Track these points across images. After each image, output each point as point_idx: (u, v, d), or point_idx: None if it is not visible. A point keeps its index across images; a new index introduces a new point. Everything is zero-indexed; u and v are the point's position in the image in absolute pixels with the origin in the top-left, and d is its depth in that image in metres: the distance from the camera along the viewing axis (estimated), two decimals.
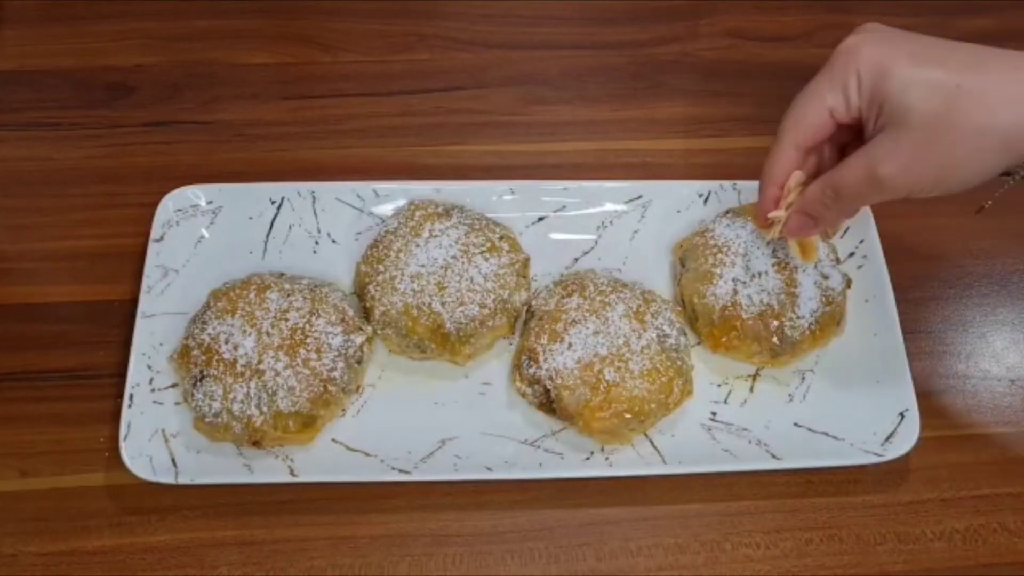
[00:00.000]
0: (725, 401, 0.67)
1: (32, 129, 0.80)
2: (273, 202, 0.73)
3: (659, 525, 0.64)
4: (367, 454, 0.64)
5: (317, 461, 0.63)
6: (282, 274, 0.68)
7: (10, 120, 0.81)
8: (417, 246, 0.67)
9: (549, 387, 0.63)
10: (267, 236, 0.72)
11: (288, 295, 0.65)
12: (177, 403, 0.65)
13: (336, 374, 0.63)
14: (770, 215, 0.58)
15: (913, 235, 0.77)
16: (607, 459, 0.64)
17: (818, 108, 0.52)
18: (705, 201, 0.74)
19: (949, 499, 0.65)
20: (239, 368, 0.62)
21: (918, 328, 0.72)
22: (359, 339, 0.65)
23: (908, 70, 0.48)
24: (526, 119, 0.83)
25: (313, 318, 0.64)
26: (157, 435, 0.63)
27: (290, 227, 0.73)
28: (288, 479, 0.62)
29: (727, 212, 0.72)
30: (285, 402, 0.62)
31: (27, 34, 0.86)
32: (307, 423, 0.63)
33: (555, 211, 0.74)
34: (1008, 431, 0.68)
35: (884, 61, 0.49)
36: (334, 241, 0.73)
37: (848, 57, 0.50)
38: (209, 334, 0.63)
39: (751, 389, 0.68)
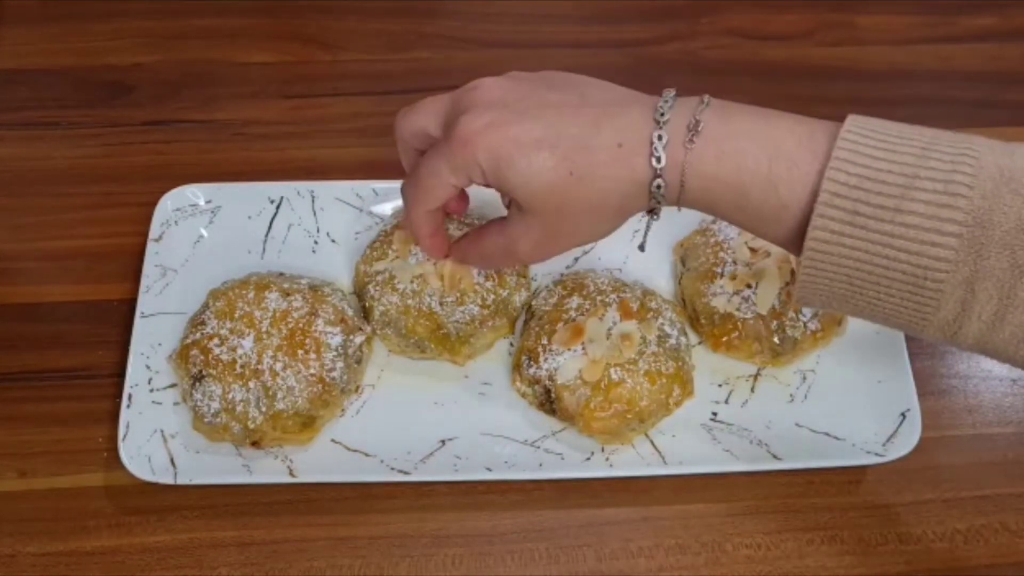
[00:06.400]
0: (726, 401, 0.67)
1: (30, 128, 0.80)
2: (272, 201, 0.73)
3: (660, 526, 0.63)
4: (367, 454, 0.64)
5: (316, 461, 0.63)
6: (281, 274, 0.68)
7: (8, 119, 0.80)
8: (417, 245, 0.67)
9: (549, 387, 0.63)
10: (266, 235, 0.72)
11: (287, 295, 0.64)
12: (176, 403, 0.64)
13: (335, 374, 0.63)
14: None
15: None
16: (607, 459, 0.64)
17: (444, 186, 0.53)
18: None
19: (951, 500, 0.65)
20: (238, 368, 0.62)
21: None
22: (358, 339, 0.65)
23: (523, 162, 0.49)
24: None
25: (312, 318, 0.63)
26: (156, 435, 0.63)
27: (289, 226, 0.72)
28: (287, 479, 0.62)
29: None
30: (284, 402, 0.62)
31: (26, 33, 0.86)
32: (306, 423, 0.63)
33: None
34: (1010, 431, 0.68)
35: (499, 153, 0.49)
36: (333, 241, 0.72)
37: (465, 149, 0.50)
38: (208, 334, 0.63)
39: (752, 389, 0.67)
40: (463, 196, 0.61)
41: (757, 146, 0.47)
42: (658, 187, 0.49)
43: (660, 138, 0.48)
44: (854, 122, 0.46)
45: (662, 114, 0.48)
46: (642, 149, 0.49)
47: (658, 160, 0.48)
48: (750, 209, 0.48)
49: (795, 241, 0.47)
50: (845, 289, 0.46)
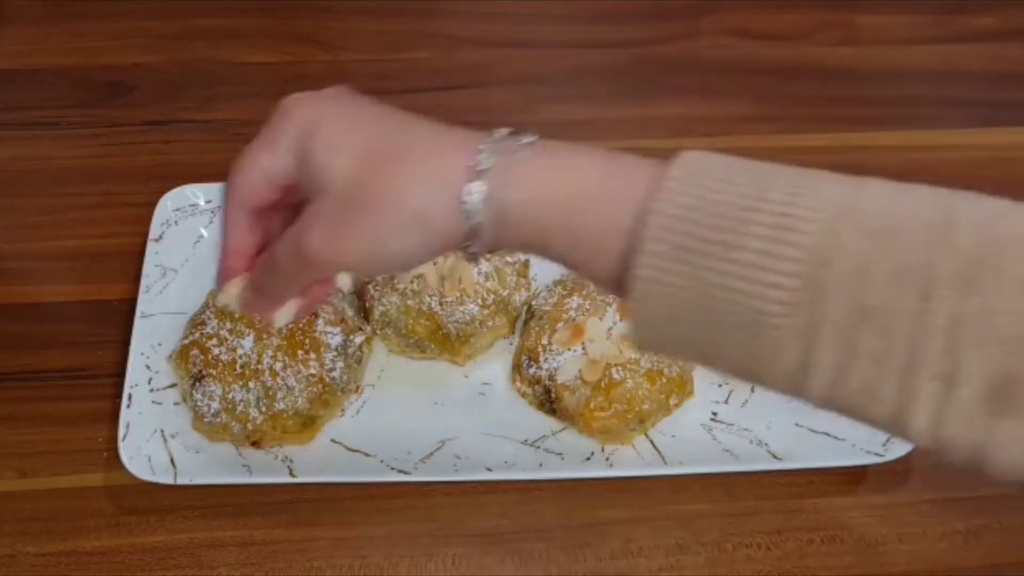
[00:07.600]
0: (726, 401, 0.67)
1: (31, 128, 0.80)
2: None
3: (660, 526, 0.63)
4: (367, 454, 0.64)
5: (316, 461, 0.63)
6: None
7: (9, 119, 0.81)
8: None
9: (549, 387, 0.63)
10: None
11: None
12: (176, 403, 0.64)
13: (335, 374, 0.63)
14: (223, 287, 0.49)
15: None
16: (607, 459, 0.64)
17: (254, 169, 0.45)
18: None
19: (951, 499, 0.65)
20: (238, 368, 0.62)
21: None
22: (358, 339, 0.65)
23: (335, 132, 0.43)
24: (527, 118, 0.83)
25: (312, 318, 0.63)
26: (156, 435, 0.63)
27: None
28: (287, 479, 0.62)
29: None
30: (284, 402, 0.62)
31: (26, 33, 0.86)
32: (306, 423, 0.63)
33: None
34: None
35: (313, 120, 0.43)
36: None
37: (282, 116, 0.44)
38: (208, 334, 0.63)
39: (752, 389, 0.67)
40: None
41: (590, 162, 0.43)
42: (471, 194, 0.42)
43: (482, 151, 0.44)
44: (689, 155, 0.41)
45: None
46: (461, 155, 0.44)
47: (478, 164, 0.43)
48: (578, 229, 0.42)
49: (621, 282, 0.41)
50: (681, 333, 0.40)
